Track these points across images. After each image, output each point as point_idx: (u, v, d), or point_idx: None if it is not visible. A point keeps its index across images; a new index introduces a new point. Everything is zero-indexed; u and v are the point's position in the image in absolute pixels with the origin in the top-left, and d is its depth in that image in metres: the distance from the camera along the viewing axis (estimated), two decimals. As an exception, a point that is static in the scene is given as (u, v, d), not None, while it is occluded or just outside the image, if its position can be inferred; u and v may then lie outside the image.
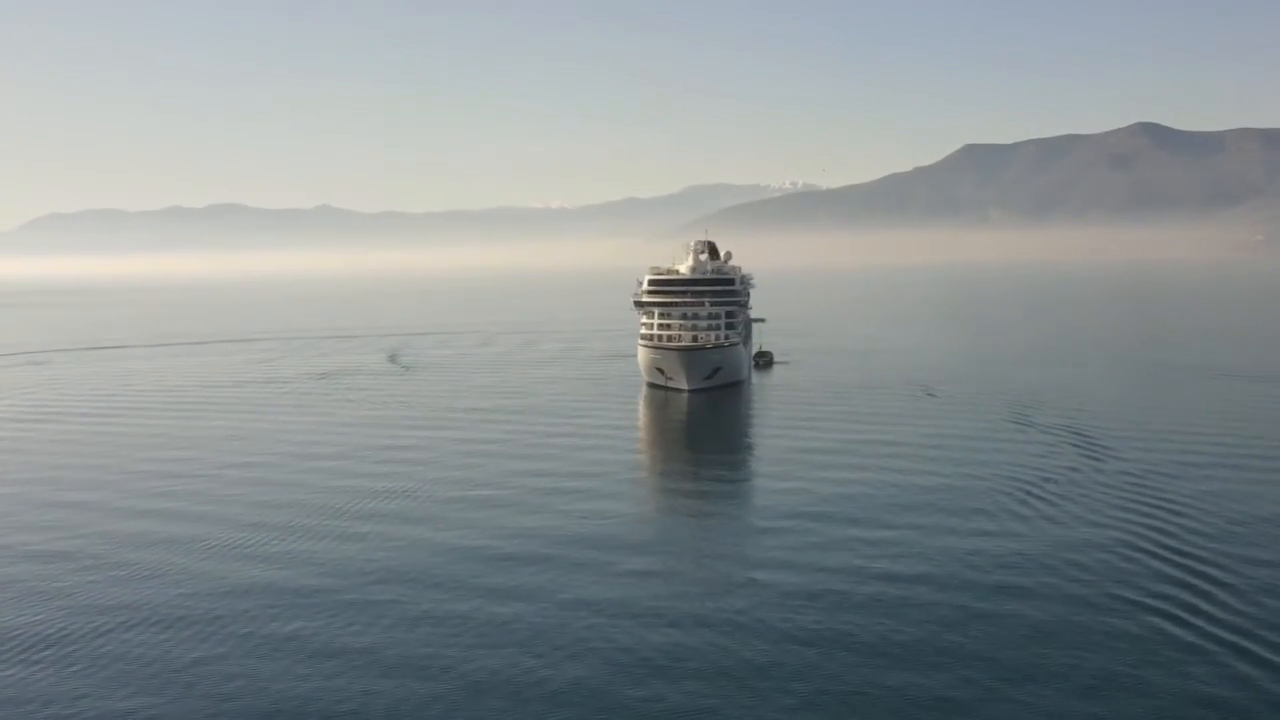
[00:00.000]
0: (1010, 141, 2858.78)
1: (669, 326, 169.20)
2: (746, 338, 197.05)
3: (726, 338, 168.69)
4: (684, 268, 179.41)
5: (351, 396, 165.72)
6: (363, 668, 55.56)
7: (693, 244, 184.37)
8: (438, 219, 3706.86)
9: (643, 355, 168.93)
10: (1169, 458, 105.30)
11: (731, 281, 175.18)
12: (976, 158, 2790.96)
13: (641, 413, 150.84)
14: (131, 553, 77.45)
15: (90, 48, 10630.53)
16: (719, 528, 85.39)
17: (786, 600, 64.83)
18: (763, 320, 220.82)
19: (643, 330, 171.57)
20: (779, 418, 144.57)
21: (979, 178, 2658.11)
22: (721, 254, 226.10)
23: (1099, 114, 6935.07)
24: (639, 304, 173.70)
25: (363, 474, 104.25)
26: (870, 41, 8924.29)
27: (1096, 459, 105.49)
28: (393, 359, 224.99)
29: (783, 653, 56.76)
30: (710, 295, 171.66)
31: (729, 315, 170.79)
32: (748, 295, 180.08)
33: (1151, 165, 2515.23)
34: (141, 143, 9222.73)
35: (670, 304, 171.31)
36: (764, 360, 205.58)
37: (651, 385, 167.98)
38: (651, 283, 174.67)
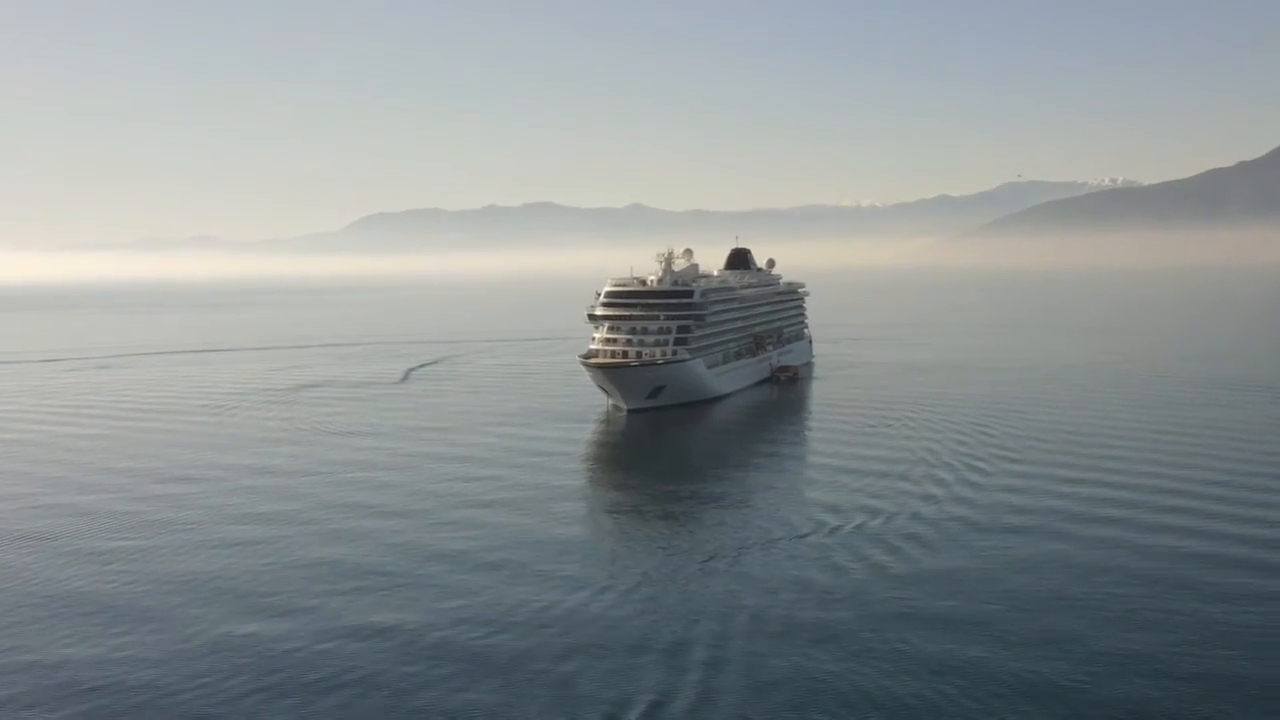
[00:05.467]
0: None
1: (614, 341, 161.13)
2: (754, 350, 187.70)
3: (674, 353, 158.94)
4: (652, 278, 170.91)
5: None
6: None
7: (666, 253, 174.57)
8: (747, 217, 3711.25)
9: (588, 372, 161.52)
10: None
11: (689, 294, 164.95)
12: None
13: (583, 433, 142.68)
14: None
15: (414, 58, 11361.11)
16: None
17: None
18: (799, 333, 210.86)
19: (591, 345, 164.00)
20: (700, 449, 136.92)
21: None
22: (762, 261, 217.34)
23: None
24: (592, 317, 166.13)
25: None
26: (1196, 33, 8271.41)
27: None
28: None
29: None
30: (664, 309, 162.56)
31: (681, 330, 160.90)
32: (707, 308, 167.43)
33: None
34: (462, 145, 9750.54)
35: (620, 317, 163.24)
36: (786, 375, 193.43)
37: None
38: (608, 294, 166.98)
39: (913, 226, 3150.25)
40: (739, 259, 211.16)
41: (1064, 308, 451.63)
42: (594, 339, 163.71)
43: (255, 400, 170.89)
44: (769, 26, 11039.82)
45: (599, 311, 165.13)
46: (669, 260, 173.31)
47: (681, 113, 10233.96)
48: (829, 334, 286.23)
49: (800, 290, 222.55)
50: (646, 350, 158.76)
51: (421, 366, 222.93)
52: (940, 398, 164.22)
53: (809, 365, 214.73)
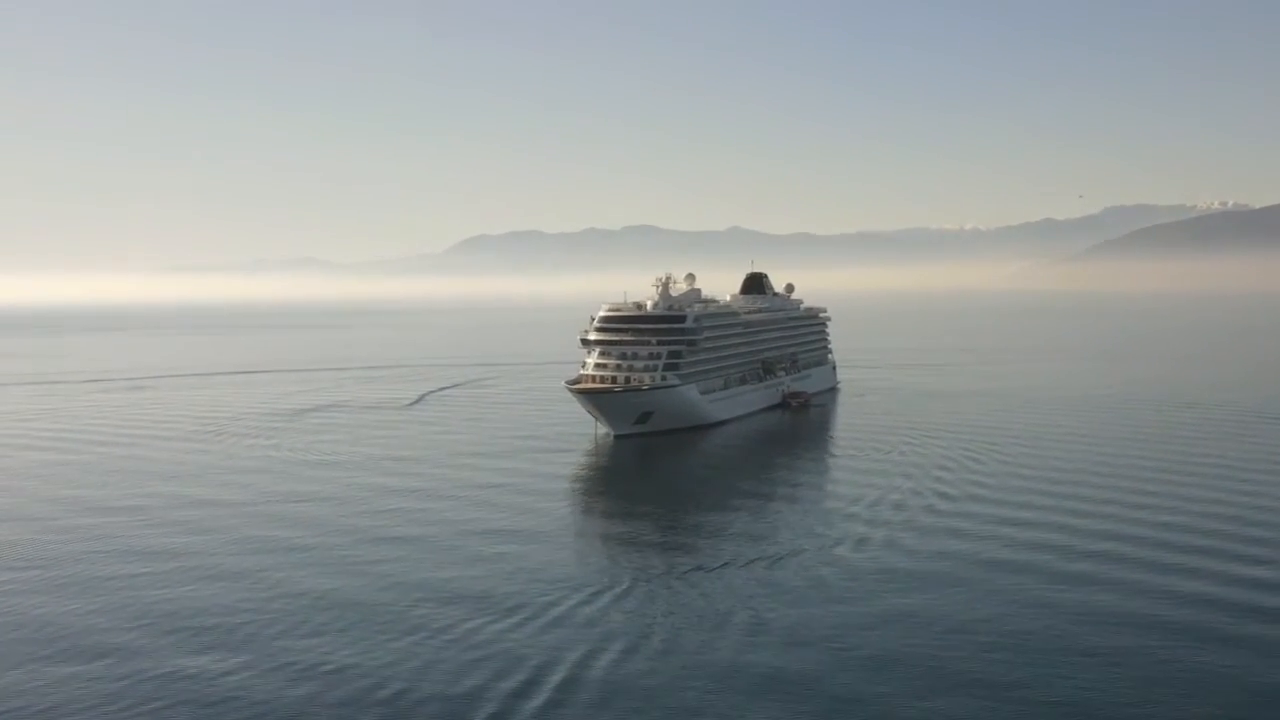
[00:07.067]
0: None
1: (604, 366, 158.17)
2: (762, 375, 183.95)
3: (663, 379, 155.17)
4: (649, 303, 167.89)
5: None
6: None
7: (663, 277, 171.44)
8: (848, 240, 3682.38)
9: (575, 397, 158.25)
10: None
11: (681, 319, 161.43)
12: None
13: (567, 460, 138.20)
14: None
15: (516, 84, 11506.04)
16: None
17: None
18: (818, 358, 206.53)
19: (581, 370, 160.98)
20: (670, 477, 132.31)
21: None
22: (780, 286, 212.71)
23: None
24: (584, 342, 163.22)
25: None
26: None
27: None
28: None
29: None
30: (656, 333, 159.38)
31: (672, 355, 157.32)
32: (700, 333, 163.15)
33: None
34: (562, 168, 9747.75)
35: (611, 342, 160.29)
36: (797, 401, 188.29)
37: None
38: (601, 319, 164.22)
39: (1015, 250, 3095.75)
40: (754, 284, 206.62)
41: (1136, 333, 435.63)
42: (585, 364, 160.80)
43: (252, 425, 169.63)
44: (875, 46, 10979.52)
45: (591, 336, 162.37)
46: (665, 284, 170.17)
47: (785, 135, 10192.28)
48: (875, 359, 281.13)
49: (821, 315, 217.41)
50: (635, 375, 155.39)
51: (440, 390, 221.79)
52: (946, 426, 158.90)
53: (833, 391, 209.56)
